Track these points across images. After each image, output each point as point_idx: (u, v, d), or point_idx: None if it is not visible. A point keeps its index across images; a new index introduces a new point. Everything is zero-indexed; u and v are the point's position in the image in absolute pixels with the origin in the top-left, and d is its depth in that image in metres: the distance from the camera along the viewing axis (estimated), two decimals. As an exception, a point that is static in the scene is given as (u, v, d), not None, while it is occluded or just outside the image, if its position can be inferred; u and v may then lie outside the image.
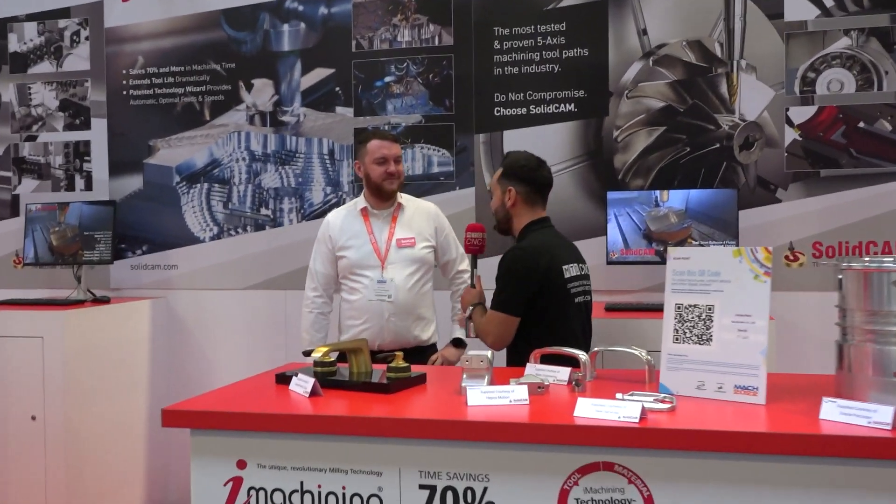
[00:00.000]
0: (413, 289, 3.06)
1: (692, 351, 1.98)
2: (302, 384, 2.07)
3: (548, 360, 2.33)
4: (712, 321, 1.96)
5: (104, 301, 4.13)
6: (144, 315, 4.33)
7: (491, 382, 2.05)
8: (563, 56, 3.97)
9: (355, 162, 3.28)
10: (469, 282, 2.85)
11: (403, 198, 3.26)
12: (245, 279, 4.36)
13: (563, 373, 2.15)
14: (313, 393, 2.05)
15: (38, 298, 4.22)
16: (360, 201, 3.27)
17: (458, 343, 3.25)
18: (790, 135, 3.73)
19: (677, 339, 2.00)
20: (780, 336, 3.38)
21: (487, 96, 4.06)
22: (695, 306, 1.99)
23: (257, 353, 4.30)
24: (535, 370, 2.19)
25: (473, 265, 2.80)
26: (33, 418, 3.76)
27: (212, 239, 4.41)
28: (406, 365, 2.17)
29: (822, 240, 3.69)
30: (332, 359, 2.23)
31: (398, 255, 3.14)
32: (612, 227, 3.69)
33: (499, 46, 4.05)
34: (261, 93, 4.34)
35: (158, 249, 4.47)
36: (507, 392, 1.92)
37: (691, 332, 1.98)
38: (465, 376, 2.06)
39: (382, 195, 3.19)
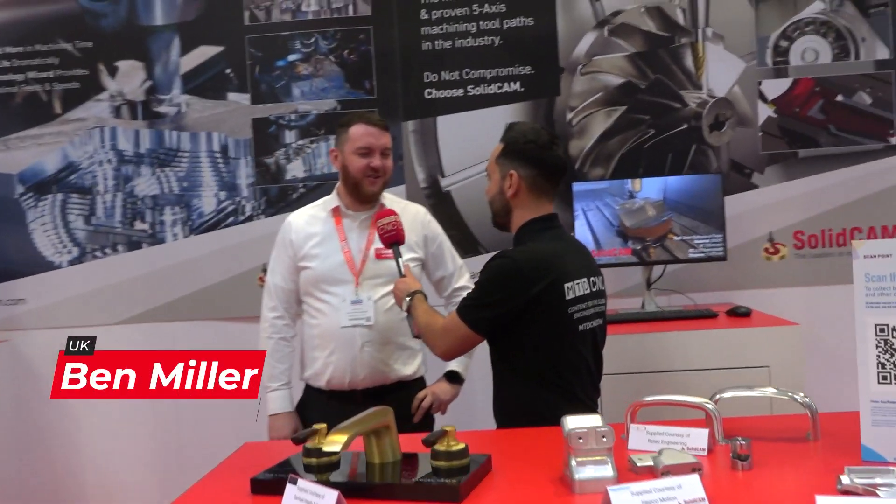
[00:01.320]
0: (394, 310, 2.20)
1: (912, 395, 1.26)
2: (313, 501, 1.17)
3: (544, 395, 1.83)
4: (942, 349, 1.24)
5: (-75, 353, 2.95)
6: (-17, 366, 3.17)
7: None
8: (505, 26, 3.19)
9: (332, 150, 2.39)
10: (399, 274, 2.15)
11: (387, 198, 2.38)
12: (119, 312, 3.28)
13: (698, 436, 1.36)
14: (334, 515, 1.15)
15: None
16: (332, 199, 2.38)
17: (452, 377, 2.40)
18: (764, 112, 3.13)
19: (885, 377, 1.27)
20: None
21: (416, 76, 3.20)
22: (908, 327, 1.27)
23: (142, 408, 3.24)
24: (647, 434, 1.39)
25: (397, 255, 2.18)
26: None
27: (71, 263, 3.29)
28: (462, 446, 1.31)
29: (803, 228, 3.13)
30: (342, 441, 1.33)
31: (377, 268, 2.27)
32: (580, 225, 2.95)
33: (426, 16, 3.20)
34: (128, 78, 3.27)
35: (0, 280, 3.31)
36: (671, 489, 1.12)
37: (907, 366, 1.26)
38: (574, 461, 1.23)
39: (361, 196, 2.32)
